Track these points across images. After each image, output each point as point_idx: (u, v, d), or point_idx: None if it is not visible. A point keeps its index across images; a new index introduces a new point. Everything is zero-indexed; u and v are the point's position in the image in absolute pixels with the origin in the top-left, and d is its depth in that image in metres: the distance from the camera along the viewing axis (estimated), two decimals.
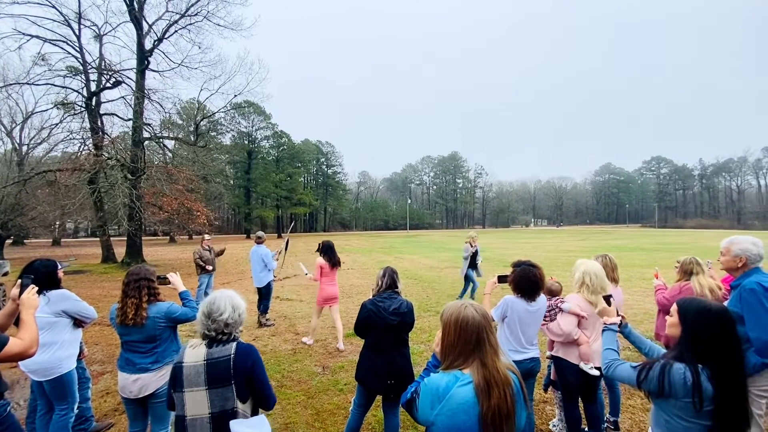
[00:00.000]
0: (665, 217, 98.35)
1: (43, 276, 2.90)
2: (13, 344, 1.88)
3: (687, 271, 3.71)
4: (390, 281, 3.19)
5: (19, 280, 2.22)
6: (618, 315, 2.35)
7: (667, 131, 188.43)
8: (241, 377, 1.90)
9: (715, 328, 1.64)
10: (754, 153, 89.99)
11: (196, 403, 1.87)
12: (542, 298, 3.07)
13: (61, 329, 3.01)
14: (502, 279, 3.16)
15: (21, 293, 2.15)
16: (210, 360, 1.89)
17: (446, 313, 1.59)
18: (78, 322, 3.16)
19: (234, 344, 1.96)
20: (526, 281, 2.95)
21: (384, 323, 2.97)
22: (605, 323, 2.23)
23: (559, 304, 3.21)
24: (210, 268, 8.87)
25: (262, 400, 2.01)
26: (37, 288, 2.19)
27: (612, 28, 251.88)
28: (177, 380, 1.91)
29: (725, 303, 3.60)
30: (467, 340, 1.49)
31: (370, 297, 3.22)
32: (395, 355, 3.05)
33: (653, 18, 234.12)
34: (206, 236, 9.40)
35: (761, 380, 2.46)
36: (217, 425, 1.86)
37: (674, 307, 1.80)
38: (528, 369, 3.00)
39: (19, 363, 2.65)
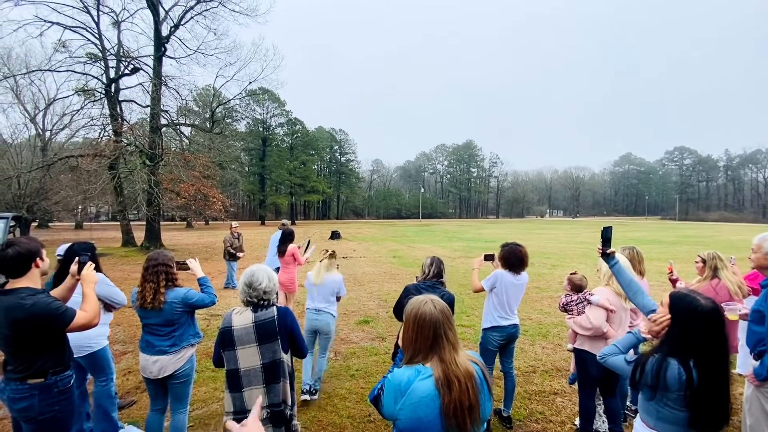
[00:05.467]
0: (686, 209, 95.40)
1: (74, 259, 3.03)
2: (80, 316, 2.14)
3: (712, 267, 3.60)
4: (437, 270, 3.30)
5: (77, 257, 2.40)
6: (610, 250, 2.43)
7: (692, 121, 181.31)
8: (284, 333, 2.31)
9: (707, 323, 1.68)
10: None
11: (248, 357, 2.25)
12: (525, 274, 3.58)
13: None
14: (488, 257, 3.71)
15: (80, 270, 2.35)
16: (258, 322, 2.27)
17: (407, 308, 1.59)
18: (108, 306, 3.31)
19: (274, 308, 2.34)
20: (514, 257, 3.47)
21: None
22: (645, 332, 2.00)
23: (587, 297, 3.17)
24: (241, 254, 9.54)
25: (297, 350, 2.45)
26: (94, 265, 2.40)
27: (637, 15, 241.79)
28: (227, 341, 2.26)
29: (747, 300, 3.54)
30: (425, 336, 1.48)
31: (414, 283, 3.35)
32: None
33: (678, 3, 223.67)
34: (234, 224, 10.00)
35: None
36: (267, 373, 2.26)
37: (666, 299, 1.84)
38: (511, 333, 3.59)
39: None
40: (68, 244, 3.50)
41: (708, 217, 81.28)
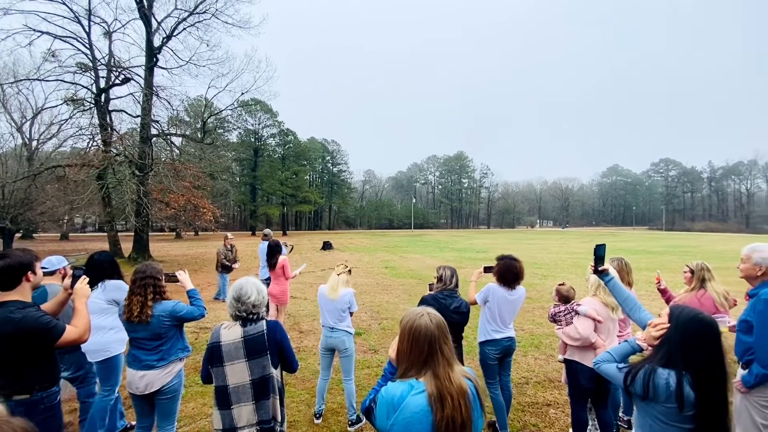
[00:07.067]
0: (673, 219, 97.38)
1: (99, 267, 3.22)
2: (69, 332, 2.10)
3: (700, 278, 3.65)
4: (456, 281, 3.34)
5: (71, 271, 2.39)
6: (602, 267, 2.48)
7: (677, 133, 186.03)
8: (274, 348, 2.26)
9: (704, 337, 1.67)
10: (765, 156, 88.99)
11: (237, 373, 2.19)
12: (521, 289, 3.52)
13: (112, 316, 3.26)
14: (487, 269, 3.65)
15: (73, 284, 2.33)
16: (247, 336, 2.21)
17: (403, 321, 1.58)
18: None
19: (264, 322, 2.29)
20: (509, 272, 3.43)
21: (446, 320, 3.02)
22: (641, 339, 2.00)
23: (575, 308, 3.20)
24: (236, 266, 9.47)
25: (287, 365, 2.38)
26: (88, 279, 2.39)
27: (622, 27, 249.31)
28: (216, 357, 2.21)
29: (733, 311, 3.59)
30: (420, 350, 1.47)
31: (430, 293, 3.36)
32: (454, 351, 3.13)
33: (663, 13, 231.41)
34: (229, 235, 9.83)
35: (766, 391, 2.43)
36: (257, 389, 2.20)
37: (666, 311, 1.83)
38: (506, 346, 3.52)
39: None
40: (54, 257, 3.44)
41: (694, 227, 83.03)
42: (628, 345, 2.02)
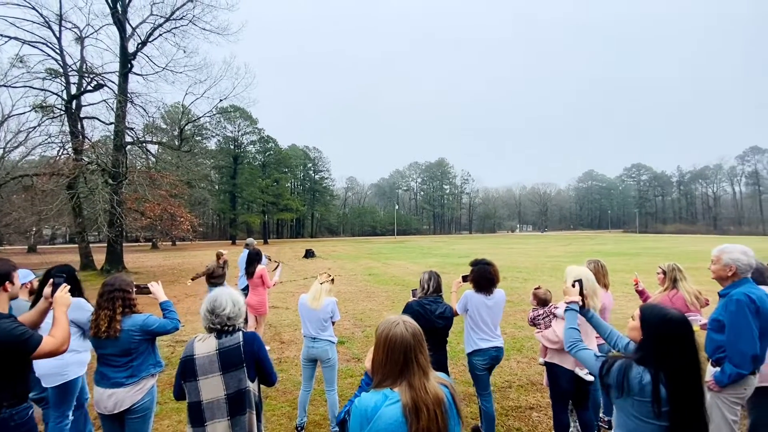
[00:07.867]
0: (645, 222, 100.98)
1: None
2: (46, 343, 1.99)
3: (671, 278, 3.76)
4: (435, 285, 3.32)
5: (52, 279, 2.33)
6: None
7: (647, 139, 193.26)
8: (251, 360, 2.18)
9: (674, 337, 1.70)
10: (729, 161, 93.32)
11: (212, 387, 2.10)
12: (499, 292, 3.47)
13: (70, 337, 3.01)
14: (465, 278, 3.58)
15: (53, 292, 2.27)
16: (222, 349, 2.13)
17: (379, 329, 1.55)
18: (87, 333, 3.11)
19: (240, 333, 2.21)
20: (482, 278, 3.39)
21: (431, 326, 3.02)
22: (566, 303, 2.32)
23: (552, 310, 3.24)
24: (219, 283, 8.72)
25: (265, 378, 2.31)
26: (69, 287, 2.31)
27: (594, 36, 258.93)
28: (189, 371, 2.11)
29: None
30: (395, 360, 1.44)
31: (415, 299, 3.34)
32: (438, 356, 3.09)
33: (638, 25, 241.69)
34: (224, 252, 8.98)
35: (737, 388, 2.50)
36: (232, 404, 2.11)
37: (637, 312, 1.88)
38: (494, 356, 3.44)
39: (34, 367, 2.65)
40: (19, 270, 3.26)
41: (665, 229, 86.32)
42: (570, 310, 2.24)
